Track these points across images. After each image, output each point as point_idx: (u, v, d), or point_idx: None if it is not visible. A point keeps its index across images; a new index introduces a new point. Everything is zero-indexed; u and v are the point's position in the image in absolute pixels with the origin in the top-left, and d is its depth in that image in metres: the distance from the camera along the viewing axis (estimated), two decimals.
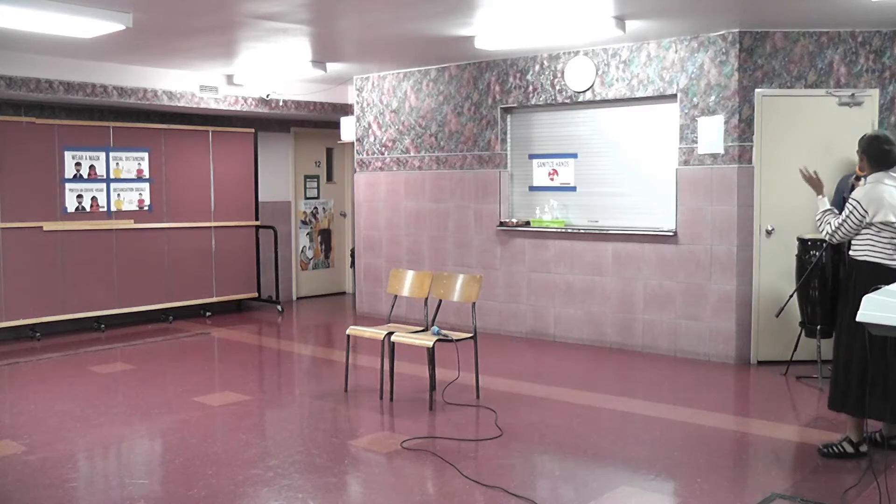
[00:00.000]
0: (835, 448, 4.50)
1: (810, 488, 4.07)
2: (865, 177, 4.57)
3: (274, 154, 10.47)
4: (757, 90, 6.59)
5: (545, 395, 5.92)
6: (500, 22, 6.36)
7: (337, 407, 5.66)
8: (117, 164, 8.63)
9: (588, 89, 7.45)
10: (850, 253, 4.53)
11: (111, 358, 7.31)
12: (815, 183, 4.85)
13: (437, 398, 5.60)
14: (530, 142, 8.05)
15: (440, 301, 6.06)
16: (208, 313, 9.41)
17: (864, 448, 4.46)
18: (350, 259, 10.72)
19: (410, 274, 6.28)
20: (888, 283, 4.11)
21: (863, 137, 4.60)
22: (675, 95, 6.94)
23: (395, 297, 6.33)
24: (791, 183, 6.60)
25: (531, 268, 7.94)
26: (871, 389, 4.25)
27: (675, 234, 6.97)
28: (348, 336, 5.98)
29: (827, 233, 4.55)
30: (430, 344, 5.49)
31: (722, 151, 6.68)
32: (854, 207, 4.38)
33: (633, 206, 7.36)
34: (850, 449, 4.47)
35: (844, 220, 4.43)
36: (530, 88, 7.83)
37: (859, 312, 3.05)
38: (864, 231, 4.40)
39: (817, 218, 4.67)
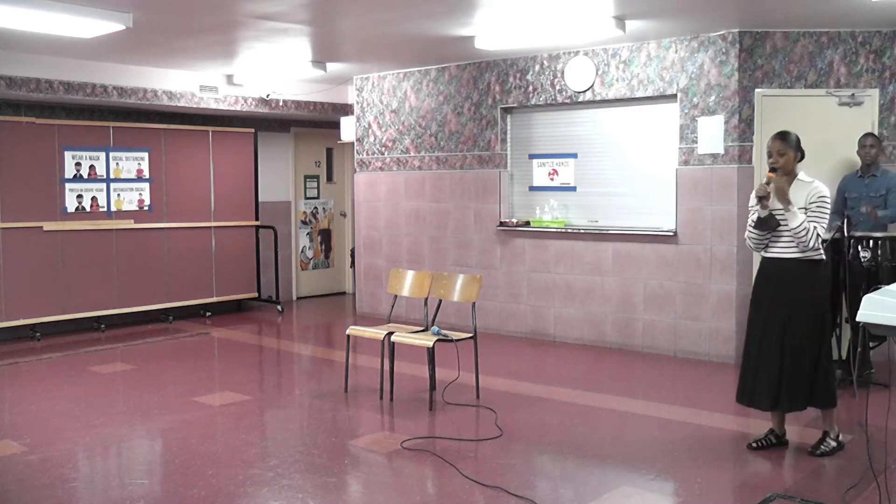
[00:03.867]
0: (821, 447, 4.52)
1: (810, 488, 4.06)
2: (786, 175, 4.33)
3: (274, 154, 10.47)
4: (757, 90, 6.59)
5: (545, 395, 5.92)
6: (500, 22, 6.36)
7: (337, 407, 5.66)
8: (117, 164, 8.63)
9: (588, 89, 7.44)
10: (798, 255, 4.34)
11: (111, 358, 7.31)
12: (781, 195, 4.29)
13: (437, 398, 5.59)
14: (530, 142, 8.04)
15: (440, 301, 6.06)
16: (208, 313, 9.41)
17: (841, 438, 4.53)
18: (350, 259, 10.72)
19: (410, 274, 6.28)
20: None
21: (787, 136, 4.36)
22: (675, 95, 6.94)
23: (395, 297, 6.33)
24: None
25: (531, 268, 7.94)
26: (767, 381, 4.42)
27: (675, 234, 6.97)
28: (348, 336, 5.98)
29: (819, 236, 4.27)
30: (430, 344, 5.49)
31: (722, 151, 6.68)
32: (828, 202, 4.33)
33: (633, 206, 7.35)
34: (833, 444, 4.50)
35: (825, 216, 4.30)
36: (530, 88, 7.83)
37: (860, 312, 3.03)
38: None
39: (800, 228, 4.24)
